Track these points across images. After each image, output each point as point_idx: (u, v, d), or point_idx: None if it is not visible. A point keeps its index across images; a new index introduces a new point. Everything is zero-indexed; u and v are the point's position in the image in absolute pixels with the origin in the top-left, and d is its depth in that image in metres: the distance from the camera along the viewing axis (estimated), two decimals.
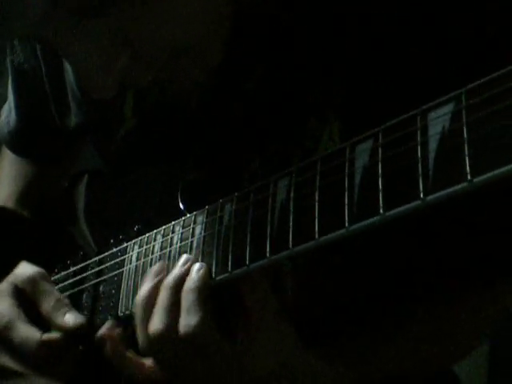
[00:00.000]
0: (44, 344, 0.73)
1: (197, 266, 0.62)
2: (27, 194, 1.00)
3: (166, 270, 0.65)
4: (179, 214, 0.68)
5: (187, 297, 0.61)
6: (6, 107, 0.99)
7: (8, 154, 1.02)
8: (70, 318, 0.73)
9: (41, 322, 0.75)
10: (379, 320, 0.74)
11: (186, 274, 0.62)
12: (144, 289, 0.64)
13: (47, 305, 0.75)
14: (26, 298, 0.76)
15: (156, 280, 0.64)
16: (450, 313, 0.75)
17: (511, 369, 1.49)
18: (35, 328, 0.74)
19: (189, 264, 0.63)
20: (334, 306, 0.76)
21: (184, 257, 0.64)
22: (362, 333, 0.73)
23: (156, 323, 0.62)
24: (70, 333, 0.73)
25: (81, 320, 0.73)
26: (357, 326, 0.74)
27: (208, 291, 0.61)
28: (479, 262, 0.71)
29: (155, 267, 0.66)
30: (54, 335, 0.73)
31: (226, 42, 0.65)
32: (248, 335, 0.62)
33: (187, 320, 0.60)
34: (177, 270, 0.63)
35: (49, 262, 0.79)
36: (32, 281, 0.76)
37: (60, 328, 0.73)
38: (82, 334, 0.74)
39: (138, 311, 0.64)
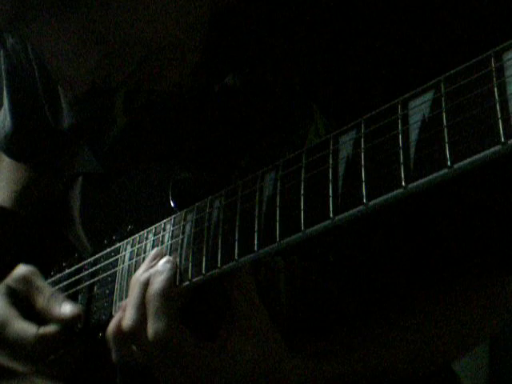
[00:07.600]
0: (41, 337, 0.72)
1: (160, 268, 0.62)
2: (23, 197, 1.00)
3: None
4: (171, 212, 0.69)
5: (153, 302, 0.61)
6: (1, 112, 0.99)
7: (5, 158, 1.03)
8: (67, 308, 0.72)
9: (37, 320, 0.74)
10: (369, 316, 0.74)
11: (153, 271, 0.63)
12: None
13: (42, 300, 0.74)
14: (20, 298, 0.76)
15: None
16: (452, 308, 0.74)
17: (511, 369, 1.48)
18: (31, 323, 0.73)
19: (156, 260, 0.64)
20: (323, 304, 0.76)
21: (153, 252, 0.65)
22: (351, 330, 0.73)
23: (127, 318, 0.63)
24: (67, 323, 0.72)
25: (77, 309, 0.72)
26: (345, 324, 0.74)
27: (173, 294, 0.61)
28: (481, 257, 0.71)
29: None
30: (51, 327, 0.72)
31: (205, 40, 0.64)
32: (229, 330, 0.62)
33: (154, 325, 0.60)
34: (145, 266, 0.64)
35: (45, 265, 0.79)
36: (24, 279, 0.76)
37: (57, 319, 0.72)
38: (79, 327, 0.74)
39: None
